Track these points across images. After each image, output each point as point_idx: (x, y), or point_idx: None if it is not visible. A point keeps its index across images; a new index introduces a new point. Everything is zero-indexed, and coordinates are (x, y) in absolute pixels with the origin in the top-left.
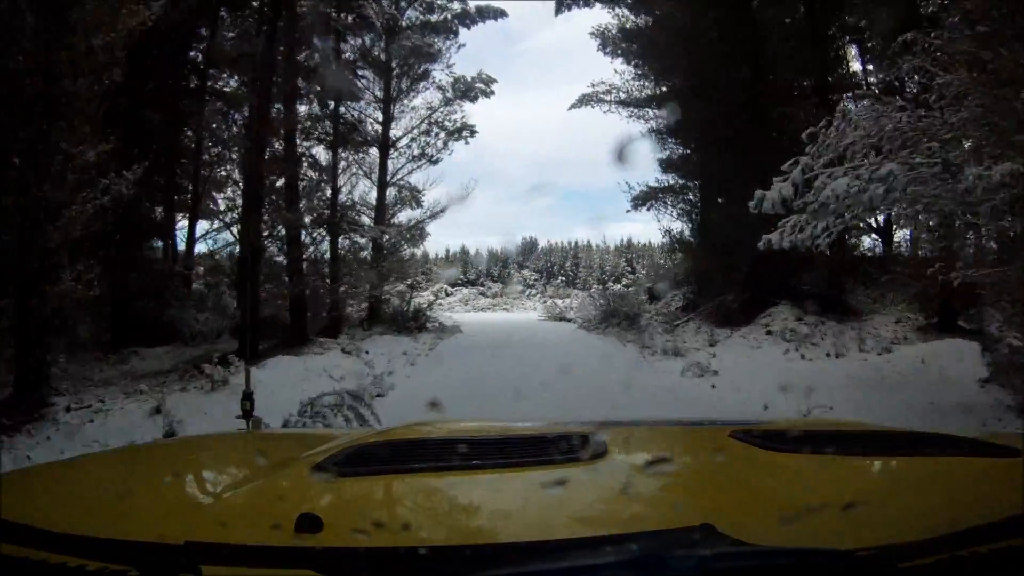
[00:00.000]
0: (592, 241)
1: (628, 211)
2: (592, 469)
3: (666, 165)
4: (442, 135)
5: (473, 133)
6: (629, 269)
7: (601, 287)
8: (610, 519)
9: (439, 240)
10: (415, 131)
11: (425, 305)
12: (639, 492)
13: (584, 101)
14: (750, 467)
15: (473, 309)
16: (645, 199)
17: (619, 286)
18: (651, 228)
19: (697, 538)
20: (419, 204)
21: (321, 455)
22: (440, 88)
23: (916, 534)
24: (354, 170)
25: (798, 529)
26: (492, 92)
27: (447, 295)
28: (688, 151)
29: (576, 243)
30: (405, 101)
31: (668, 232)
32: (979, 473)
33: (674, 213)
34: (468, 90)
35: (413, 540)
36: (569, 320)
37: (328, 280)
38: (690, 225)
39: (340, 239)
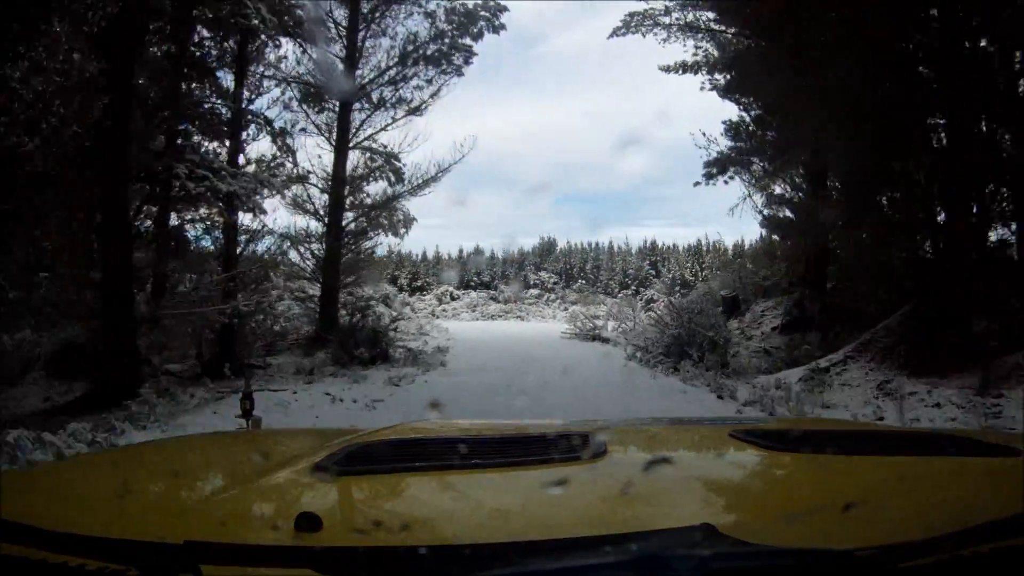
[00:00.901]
0: (614, 242)
1: (697, 183)
2: (592, 469)
3: (735, 130)
4: (424, 69)
5: (470, 59)
6: (653, 272)
7: (632, 293)
8: (610, 519)
9: (451, 240)
10: (392, 68)
11: (389, 322)
12: (639, 492)
13: (633, 25)
14: (750, 467)
15: (481, 316)
16: (724, 165)
17: (652, 291)
18: (673, 232)
19: (697, 538)
20: (398, 176)
21: (321, 454)
22: (429, 16)
23: (916, 534)
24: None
25: (798, 529)
26: (502, 26)
27: (452, 299)
28: (763, 110)
29: (597, 244)
30: (377, 27)
31: (790, 207)
32: (979, 473)
33: (761, 182)
34: (469, 21)
35: (413, 540)
36: (606, 340)
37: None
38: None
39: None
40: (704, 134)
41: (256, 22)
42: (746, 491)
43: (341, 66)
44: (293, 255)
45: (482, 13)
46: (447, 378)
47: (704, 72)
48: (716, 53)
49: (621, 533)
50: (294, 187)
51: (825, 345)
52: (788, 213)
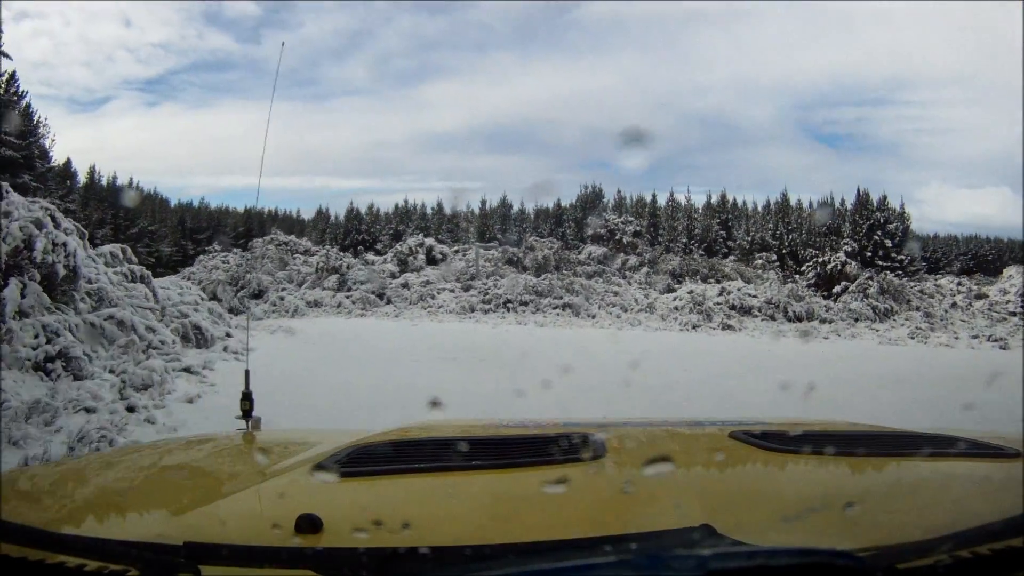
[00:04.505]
0: (677, 193)
1: None
2: (592, 469)
3: None
4: None
5: None
6: (724, 233)
7: (763, 262)
8: (610, 519)
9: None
10: None
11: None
12: (639, 492)
13: None
14: (750, 467)
15: (482, 309)
16: None
17: (840, 255)
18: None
19: (697, 538)
20: None
21: (321, 455)
22: None
23: (916, 534)
24: None
25: (798, 529)
26: None
27: (431, 261)
28: None
29: (654, 197)
30: None
31: None
32: (979, 473)
33: None
34: None
35: (413, 540)
36: None
37: None
38: None
39: None
40: None
41: None
42: (746, 491)
43: None
44: None
45: None
46: None
47: None
48: None
49: (621, 533)
50: None
51: None
52: None
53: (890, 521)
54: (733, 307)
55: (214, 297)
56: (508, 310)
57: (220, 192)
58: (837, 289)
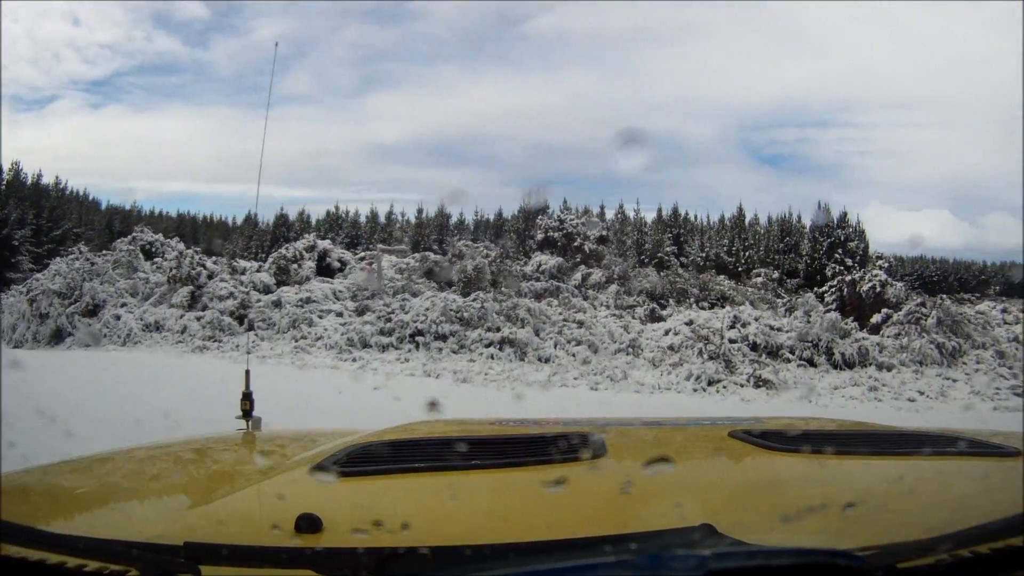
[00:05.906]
0: (626, 207)
1: None
2: (592, 469)
3: None
4: None
5: None
6: (675, 249)
7: (775, 281)
8: (610, 519)
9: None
10: None
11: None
12: (639, 492)
13: None
14: (750, 467)
15: (363, 346)
16: None
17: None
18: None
19: (697, 538)
20: None
21: (321, 455)
22: None
23: (916, 534)
24: None
25: (798, 529)
26: None
27: (325, 271)
28: None
29: (602, 208)
30: None
31: None
32: (979, 473)
33: None
34: None
35: (413, 540)
36: None
37: None
38: None
39: None
40: None
41: None
42: (746, 491)
43: None
44: None
45: None
46: None
47: None
48: None
49: (621, 533)
50: None
51: None
52: None
53: (890, 521)
54: (754, 347)
55: (41, 314)
56: (417, 346)
57: (160, 197)
58: (877, 319)
